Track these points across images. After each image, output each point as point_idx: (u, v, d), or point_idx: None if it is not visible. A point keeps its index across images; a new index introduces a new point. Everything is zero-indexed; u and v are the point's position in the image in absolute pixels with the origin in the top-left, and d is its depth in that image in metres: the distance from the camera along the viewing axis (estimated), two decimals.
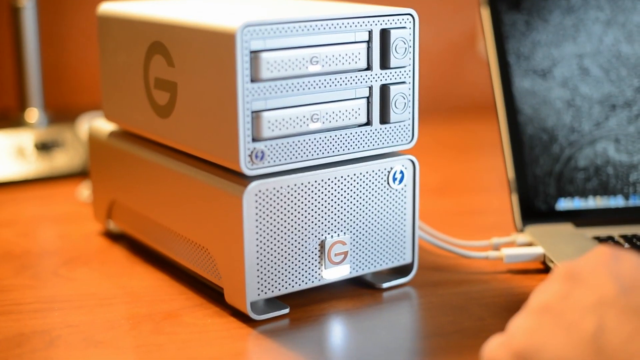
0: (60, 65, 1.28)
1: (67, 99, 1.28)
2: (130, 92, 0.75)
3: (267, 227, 0.64)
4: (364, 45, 0.66)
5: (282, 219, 0.65)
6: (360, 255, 0.69)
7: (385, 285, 0.72)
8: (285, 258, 0.66)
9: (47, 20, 1.23)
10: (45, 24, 1.22)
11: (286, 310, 0.67)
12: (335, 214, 0.67)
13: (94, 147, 0.84)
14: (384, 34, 0.67)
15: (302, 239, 0.66)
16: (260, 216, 0.64)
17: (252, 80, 0.62)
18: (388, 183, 0.69)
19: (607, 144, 0.83)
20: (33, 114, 1.13)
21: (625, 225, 0.80)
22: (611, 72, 0.83)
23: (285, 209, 0.65)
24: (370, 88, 0.67)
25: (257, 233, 0.64)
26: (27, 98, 1.13)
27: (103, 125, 0.83)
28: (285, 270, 0.66)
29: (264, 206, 0.64)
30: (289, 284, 0.66)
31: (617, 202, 0.82)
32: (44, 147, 1.09)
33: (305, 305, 0.68)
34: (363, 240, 0.69)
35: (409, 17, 0.67)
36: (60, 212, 0.95)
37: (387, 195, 0.70)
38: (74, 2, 1.27)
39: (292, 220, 0.65)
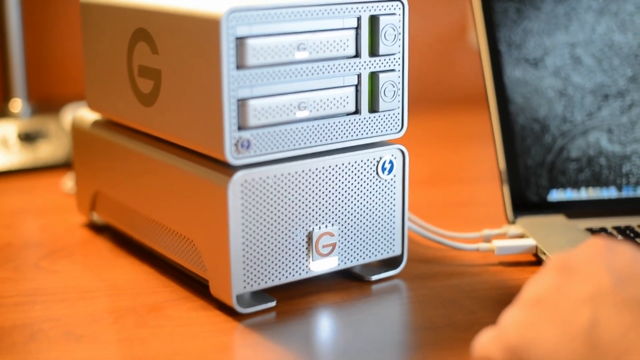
0: (44, 55, 1.26)
1: (51, 89, 1.27)
2: (114, 80, 0.74)
3: (253, 218, 0.63)
4: (353, 32, 0.65)
5: (268, 209, 0.64)
6: (348, 247, 0.68)
7: (375, 277, 0.70)
8: (272, 250, 0.64)
9: (30, 9, 1.22)
10: (29, 12, 1.21)
11: (273, 304, 0.66)
12: (323, 205, 0.66)
13: (77, 138, 0.83)
14: (373, 20, 0.65)
15: (289, 231, 0.65)
16: (246, 207, 0.63)
17: (238, 68, 0.61)
18: (377, 173, 0.68)
19: (599, 135, 0.81)
20: (17, 105, 1.12)
21: (618, 216, 0.79)
22: (604, 62, 0.82)
23: (271, 199, 0.64)
24: (359, 76, 0.66)
25: (242, 224, 0.63)
26: (11, 88, 1.12)
27: (86, 115, 0.82)
28: (272, 262, 0.64)
29: (249, 197, 0.63)
30: (276, 277, 0.65)
31: (610, 193, 0.81)
32: (27, 138, 1.07)
33: (292, 298, 0.67)
34: (351, 232, 0.68)
35: (398, 3, 0.66)
36: (43, 204, 0.94)
37: (376, 185, 0.68)
38: None
39: (278, 211, 0.64)
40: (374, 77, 0.66)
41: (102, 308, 0.67)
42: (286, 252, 0.65)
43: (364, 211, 0.68)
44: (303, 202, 0.65)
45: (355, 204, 0.68)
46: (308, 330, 0.64)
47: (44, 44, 1.26)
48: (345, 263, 0.68)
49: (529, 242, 0.74)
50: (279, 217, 0.64)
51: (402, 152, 0.69)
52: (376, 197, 0.69)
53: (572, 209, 0.81)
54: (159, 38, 0.67)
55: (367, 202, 0.68)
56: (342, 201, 0.67)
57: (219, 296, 0.65)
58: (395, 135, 0.69)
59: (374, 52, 0.66)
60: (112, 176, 0.77)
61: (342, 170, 0.66)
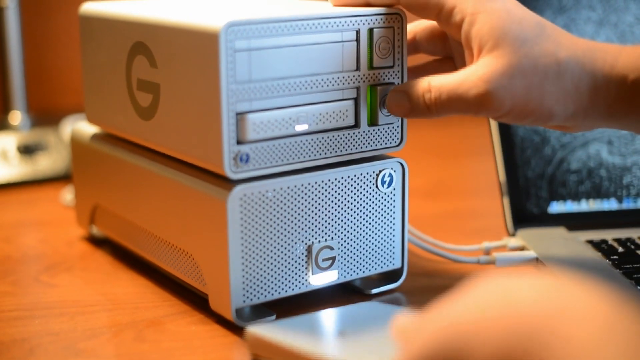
0: (43, 67, 1.26)
1: (51, 101, 1.26)
2: (113, 93, 0.74)
3: (253, 232, 0.63)
4: (351, 45, 0.65)
5: (267, 223, 0.63)
6: (348, 261, 0.68)
7: (375, 291, 0.70)
8: (272, 264, 0.64)
9: (30, 21, 1.22)
10: (28, 24, 1.21)
11: (272, 318, 0.65)
12: (322, 219, 0.66)
13: (76, 150, 0.82)
14: (371, 33, 0.65)
15: (289, 244, 0.65)
16: (245, 221, 0.62)
17: (237, 81, 0.61)
18: (377, 186, 0.68)
19: (600, 146, 0.81)
20: (16, 117, 1.12)
21: (619, 228, 0.79)
22: None
23: (271, 213, 0.63)
24: (358, 89, 0.66)
25: (242, 238, 0.62)
26: (10, 100, 1.12)
27: (85, 127, 0.81)
28: (272, 276, 0.64)
29: (249, 211, 0.62)
30: (276, 291, 0.65)
31: (611, 205, 0.81)
32: (27, 151, 1.07)
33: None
34: (351, 245, 0.68)
35: (397, 16, 0.66)
36: (42, 217, 0.94)
37: (376, 198, 0.68)
38: (57, 2, 1.25)
39: (278, 225, 0.64)
40: (373, 90, 0.66)
41: (101, 323, 0.66)
42: (286, 266, 0.65)
43: (364, 224, 0.68)
44: (302, 216, 0.65)
45: (354, 217, 0.67)
46: None
47: (44, 56, 1.26)
48: (345, 276, 0.68)
49: (530, 254, 0.74)
50: (278, 230, 0.64)
51: (402, 165, 0.69)
52: (376, 210, 0.68)
53: (573, 221, 0.80)
54: (157, 52, 0.67)
55: (367, 215, 0.68)
56: (342, 214, 0.67)
57: (218, 310, 0.65)
58: (395, 148, 0.68)
59: (372, 65, 0.66)
60: (111, 189, 0.77)
61: (342, 184, 0.66)
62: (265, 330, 0.59)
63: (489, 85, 0.60)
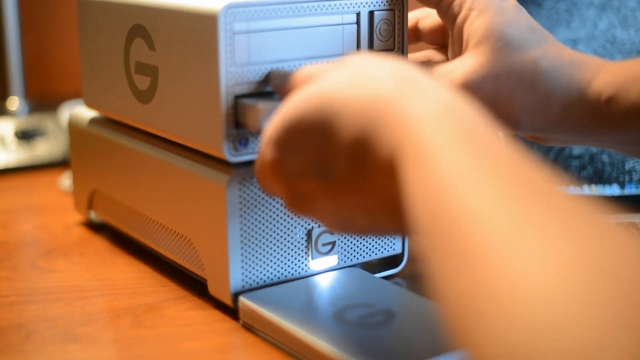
0: (41, 53, 1.25)
1: (49, 87, 1.26)
2: (111, 77, 0.73)
3: (252, 217, 0.62)
4: (352, 27, 0.64)
5: (267, 207, 0.63)
6: (348, 246, 0.67)
7: (375, 276, 0.70)
8: (271, 248, 0.64)
9: (28, 7, 1.21)
10: (26, 10, 1.20)
11: None
12: None
13: (74, 135, 0.82)
14: (372, 16, 0.65)
15: (288, 229, 0.64)
16: (244, 205, 0.62)
17: (236, 64, 0.60)
18: None
19: None
20: (14, 102, 1.11)
21: (621, 214, 0.79)
22: (606, 58, 0.81)
23: (270, 197, 0.63)
24: None
25: (241, 222, 0.62)
26: (8, 86, 1.12)
27: (83, 112, 0.81)
28: (271, 261, 0.64)
29: (248, 194, 0.62)
30: (275, 275, 0.64)
31: (613, 190, 0.81)
32: (24, 136, 1.06)
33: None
34: None
35: None
36: (40, 202, 0.93)
37: None
38: None
39: (277, 209, 0.63)
40: None
41: (98, 308, 0.66)
42: (285, 251, 0.64)
43: None
44: None
45: None
46: None
47: (42, 42, 1.25)
48: (345, 261, 0.67)
49: None
50: (277, 215, 0.63)
51: None
52: None
53: None
54: (156, 34, 0.66)
55: None
56: None
57: (217, 295, 0.64)
58: None
59: (373, 48, 0.65)
60: (109, 174, 0.76)
61: None
62: (257, 302, 0.60)
63: (463, 83, 0.61)
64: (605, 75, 0.62)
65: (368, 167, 0.48)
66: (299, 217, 0.55)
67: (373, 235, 0.61)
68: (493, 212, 0.37)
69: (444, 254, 0.38)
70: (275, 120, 0.52)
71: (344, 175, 0.50)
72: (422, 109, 0.44)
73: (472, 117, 0.44)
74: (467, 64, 0.61)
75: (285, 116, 0.51)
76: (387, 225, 0.51)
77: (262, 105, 0.58)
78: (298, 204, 0.53)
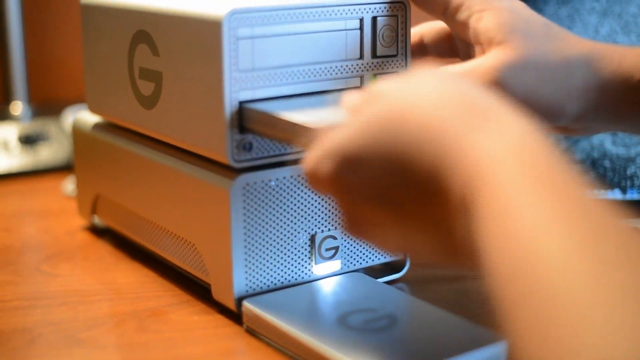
0: (45, 57, 1.26)
1: (52, 92, 1.26)
2: (115, 82, 0.73)
3: (255, 222, 0.62)
4: (355, 33, 0.64)
5: (270, 212, 0.63)
6: (351, 250, 0.67)
7: (378, 281, 0.70)
8: (274, 253, 0.64)
9: (31, 11, 1.21)
10: (30, 14, 1.20)
11: None
12: (325, 208, 0.65)
13: (78, 140, 0.82)
14: (375, 22, 0.65)
15: (292, 234, 0.64)
16: (248, 210, 0.62)
17: (240, 70, 0.60)
18: None
19: (603, 137, 0.81)
20: (17, 107, 1.11)
21: (623, 219, 0.79)
22: None
23: (273, 202, 0.63)
24: (362, 78, 0.65)
25: (244, 227, 0.62)
26: (11, 91, 1.12)
27: (87, 117, 0.81)
28: (274, 266, 0.64)
29: (252, 200, 0.62)
30: (278, 280, 0.64)
31: (615, 195, 0.81)
32: (28, 141, 1.07)
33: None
34: None
35: (401, 5, 0.66)
36: (44, 207, 0.94)
37: None
38: None
39: (281, 214, 0.64)
40: (376, 79, 0.66)
41: (102, 312, 0.66)
42: (288, 256, 0.64)
43: None
44: (305, 205, 0.64)
45: None
46: None
47: (45, 46, 1.26)
48: (348, 266, 0.68)
49: None
50: (281, 220, 0.64)
51: None
52: None
53: None
54: (160, 40, 0.66)
55: None
56: None
57: (221, 300, 0.64)
58: None
59: (376, 53, 0.65)
60: (113, 179, 0.77)
61: None
62: (261, 306, 0.60)
63: (500, 73, 0.60)
64: (633, 57, 0.62)
65: (438, 201, 0.46)
66: (356, 238, 0.55)
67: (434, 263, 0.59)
68: (569, 268, 0.37)
69: (520, 303, 0.38)
70: (343, 134, 0.50)
71: (411, 206, 0.48)
72: (496, 145, 0.43)
73: (545, 151, 0.43)
74: (500, 57, 0.61)
75: (357, 134, 0.49)
76: (449, 258, 0.49)
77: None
78: (358, 228, 0.52)
